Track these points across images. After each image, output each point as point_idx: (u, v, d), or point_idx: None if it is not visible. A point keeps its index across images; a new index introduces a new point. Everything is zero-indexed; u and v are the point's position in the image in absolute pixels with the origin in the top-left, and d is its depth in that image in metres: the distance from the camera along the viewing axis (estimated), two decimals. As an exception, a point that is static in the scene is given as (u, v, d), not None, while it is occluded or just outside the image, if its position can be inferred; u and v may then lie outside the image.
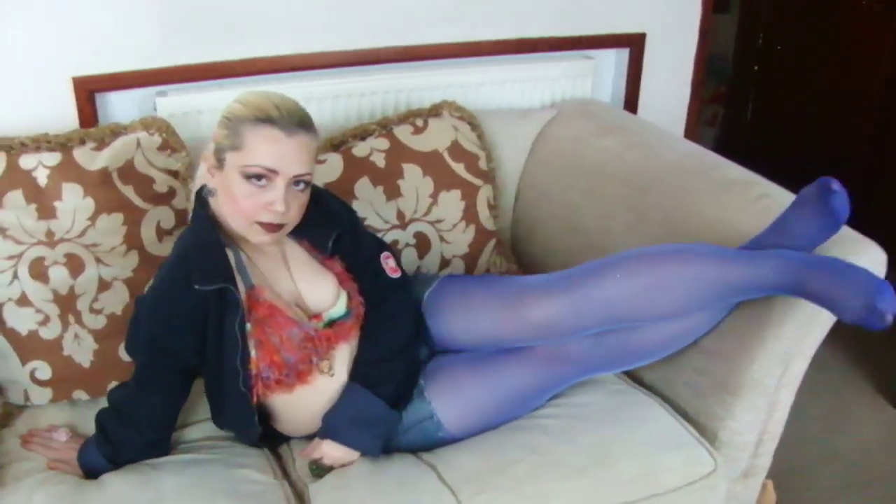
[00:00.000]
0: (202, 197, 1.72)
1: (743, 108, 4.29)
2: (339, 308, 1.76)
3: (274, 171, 1.59)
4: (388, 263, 1.86)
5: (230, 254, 1.69)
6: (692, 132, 2.93)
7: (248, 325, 1.66)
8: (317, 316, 1.74)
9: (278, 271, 1.75)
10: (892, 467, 2.62)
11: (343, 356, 1.76)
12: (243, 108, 1.59)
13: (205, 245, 1.67)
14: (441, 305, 1.89)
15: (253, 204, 1.60)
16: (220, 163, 1.62)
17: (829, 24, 3.71)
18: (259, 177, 1.58)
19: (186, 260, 1.65)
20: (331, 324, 1.75)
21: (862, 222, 1.82)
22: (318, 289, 1.76)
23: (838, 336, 1.81)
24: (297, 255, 1.78)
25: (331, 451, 1.71)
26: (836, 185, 1.67)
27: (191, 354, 1.67)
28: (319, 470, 1.72)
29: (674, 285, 1.73)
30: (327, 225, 1.78)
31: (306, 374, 1.70)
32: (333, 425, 1.72)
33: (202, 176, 1.71)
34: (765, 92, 4.18)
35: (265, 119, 1.57)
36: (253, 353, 1.65)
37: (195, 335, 1.65)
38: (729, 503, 1.92)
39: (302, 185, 1.64)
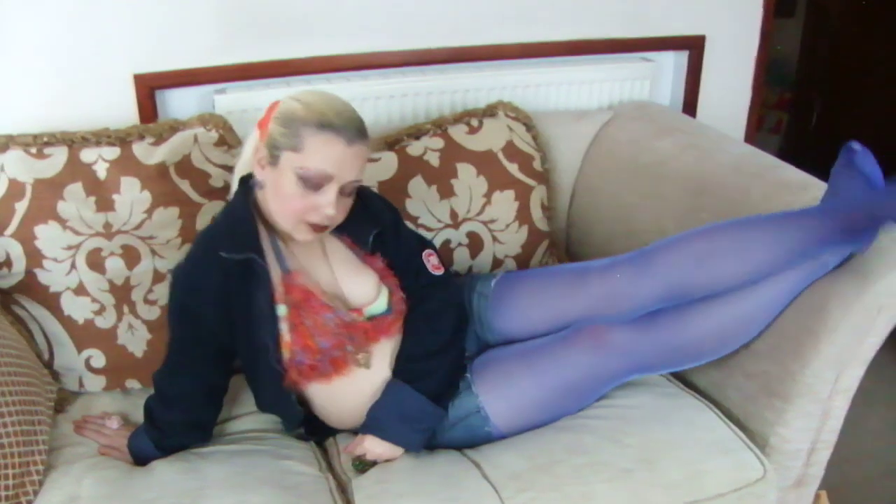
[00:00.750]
0: (248, 185, 1.73)
1: (807, 115, 4.21)
2: (380, 304, 1.77)
3: (329, 177, 1.61)
4: (430, 261, 1.87)
5: (265, 235, 1.72)
6: (752, 136, 2.89)
7: (283, 308, 1.67)
8: (357, 310, 1.75)
9: (318, 263, 1.77)
10: (954, 484, 2.54)
11: (384, 351, 1.77)
12: (305, 110, 1.60)
13: (237, 218, 1.71)
14: (506, 295, 1.91)
15: (304, 205, 1.63)
16: (273, 158, 1.63)
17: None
18: (314, 180, 1.61)
19: (217, 231, 1.71)
20: (371, 319, 1.76)
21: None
22: (358, 284, 1.78)
23: (897, 345, 1.78)
24: (338, 250, 1.80)
25: (373, 446, 1.72)
26: (856, 146, 1.72)
27: (219, 326, 1.69)
28: (363, 465, 1.72)
29: (725, 248, 1.78)
30: (369, 222, 1.79)
31: (341, 362, 1.71)
32: (376, 420, 1.73)
33: (247, 162, 1.73)
34: (830, 99, 4.10)
35: (327, 126, 1.59)
36: (287, 336, 1.67)
37: (222, 305, 1.67)
38: (780, 512, 1.89)
39: (351, 190, 1.66)
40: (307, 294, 1.69)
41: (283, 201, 1.65)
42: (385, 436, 1.71)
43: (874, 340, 1.80)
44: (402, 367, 1.76)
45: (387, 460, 1.73)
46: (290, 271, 1.70)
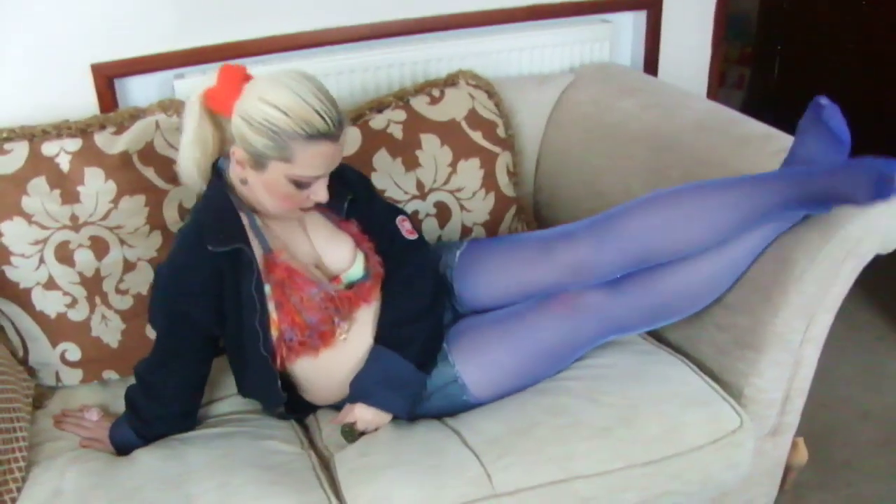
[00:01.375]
0: (217, 168, 1.73)
1: (769, 68, 4.23)
2: (356, 269, 1.78)
3: (322, 175, 1.63)
4: (404, 226, 1.87)
5: (245, 218, 1.71)
6: (714, 93, 2.90)
7: (268, 287, 1.68)
8: (336, 278, 1.76)
9: (297, 235, 1.77)
10: (930, 425, 2.58)
11: (366, 318, 1.78)
12: (288, 119, 1.55)
13: (218, 210, 1.70)
14: (471, 265, 1.91)
15: (297, 199, 1.65)
16: (259, 165, 1.61)
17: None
18: (307, 183, 1.63)
19: (201, 225, 1.68)
20: (350, 286, 1.77)
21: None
22: (335, 251, 1.79)
23: (870, 293, 1.80)
24: (314, 218, 1.80)
25: (362, 413, 1.72)
26: (824, 101, 1.72)
27: (209, 320, 1.69)
28: (352, 434, 1.73)
29: (690, 214, 1.78)
30: (342, 189, 1.79)
31: (329, 335, 1.72)
32: (363, 388, 1.73)
33: (192, 143, 1.69)
34: (791, 51, 4.11)
35: (317, 135, 1.57)
36: (274, 314, 1.67)
37: (212, 300, 1.67)
38: (758, 461, 1.92)
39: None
40: (290, 272, 1.69)
41: (273, 197, 1.66)
42: (373, 402, 1.72)
43: (841, 288, 1.83)
44: (384, 334, 1.77)
45: (375, 428, 1.74)
46: (271, 250, 1.70)
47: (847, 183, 1.66)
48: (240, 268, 1.66)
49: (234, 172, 1.68)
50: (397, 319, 1.77)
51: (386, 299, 1.81)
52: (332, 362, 1.75)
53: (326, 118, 1.57)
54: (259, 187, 1.65)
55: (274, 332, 1.69)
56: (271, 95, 1.57)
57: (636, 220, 1.80)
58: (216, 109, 1.65)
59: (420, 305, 1.79)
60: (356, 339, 1.76)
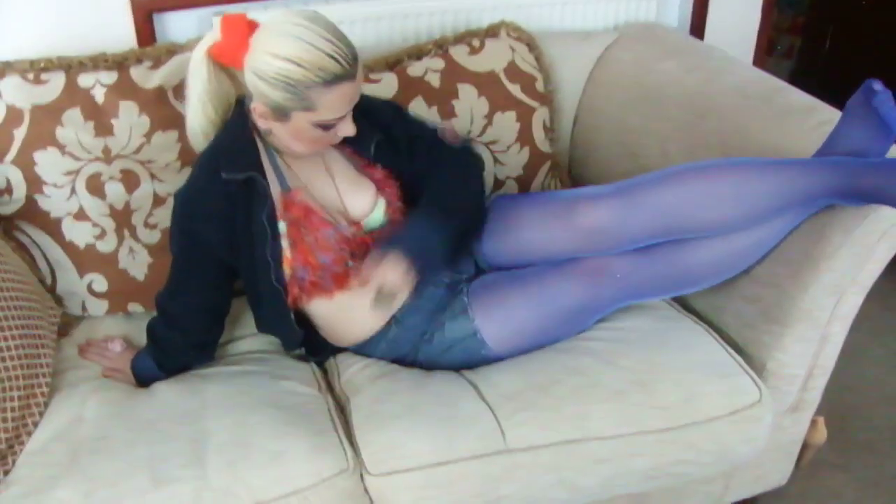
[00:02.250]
0: (243, 108, 1.71)
1: (821, 40, 4.13)
2: (376, 215, 1.78)
3: (346, 114, 1.63)
4: (446, 135, 1.86)
5: (266, 156, 1.71)
6: (761, 60, 2.84)
7: (283, 225, 1.68)
8: (356, 224, 1.76)
9: (321, 179, 1.77)
10: (955, 412, 2.54)
11: None
12: (303, 70, 1.53)
13: (236, 139, 1.70)
14: (495, 221, 1.89)
15: (324, 140, 1.66)
16: (281, 116, 1.61)
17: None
18: (333, 124, 1.63)
19: (217, 152, 1.69)
20: (370, 232, 1.77)
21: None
22: (357, 196, 1.79)
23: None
24: (338, 160, 1.80)
25: (388, 273, 1.61)
26: (877, 86, 1.66)
27: (221, 245, 1.70)
28: (385, 299, 1.64)
29: (724, 194, 1.72)
30: (369, 129, 1.78)
31: (343, 277, 1.72)
32: (395, 238, 1.67)
33: (203, 94, 1.68)
34: (843, 24, 4.02)
35: (334, 79, 1.56)
36: (288, 252, 1.68)
37: (225, 227, 1.68)
38: (775, 436, 1.91)
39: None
40: (307, 211, 1.69)
41: (302, 141, 1.66)
42: (405, 247, 1.63)
43: (874, 267, 1.80)
44: (428, 203, 1.76)
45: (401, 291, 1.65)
46: (290, 189, 1.70)
47: (891, 185, 1.61)
48: (253, 196, 1.67)
49: (259, 124, 1.67)
50: (441, 191, 1.78)
51: (431, 181, 1.80)
52: (349, 306, 1.75)
53: (340, 59, 1.55)
54: (285, 135, 1.65)
55: (287, 270, 1.69)
56: (280, 48, 1.54)
57: (663, 193, 1.74)
58: (227, 63, 1.64)
59: (465, 191, 1.80)
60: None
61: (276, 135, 1.67)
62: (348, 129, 1.66)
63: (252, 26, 1.60)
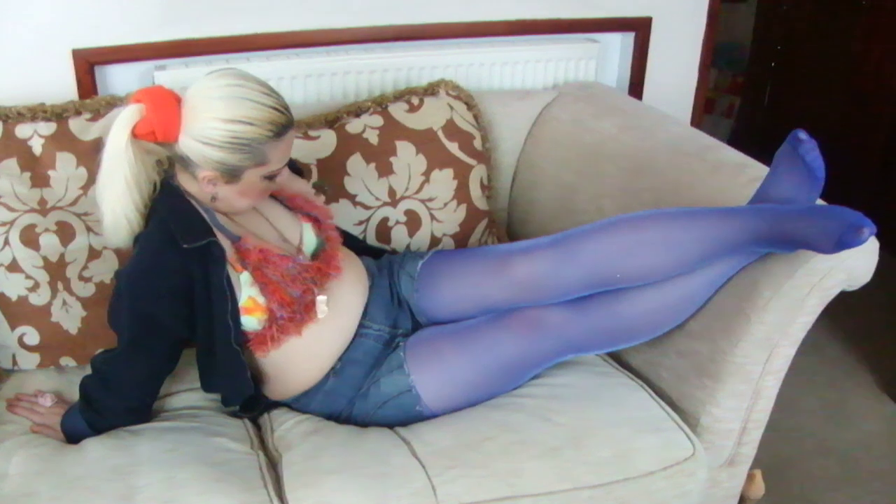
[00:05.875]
0: (171, 186, 1.71)
1: (759, 98, 4.25)
2: (308, 238, 1.82)
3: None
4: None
5: (207, 219, 1.71)
6: (699, 119, 2.91)
7: (246, 275, 1.67)
8: (301, 252, 1.80)
9: (255, 219, 1.79)
10: (891, 463, 2.58)
11: (339, 292, 1.79)
12: (254, 128, 1.56)
13: (181, 210, 1.69)
14: (432, 275, 1.90)
15: (269, 189, 1.72)
16: (233, 178, 1.63)
17: (849, 14, 3.66)
18: (279, 173, 1.67)
19: (166, 225, 1.66)
20: (314, 256, 1.80)
21: (880, 212, 1.79)
22: (289, 227, 1.82)
23: (839, 326, 1.79)
24: (265, 201, 1.81)
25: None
26: (803, 135, 1.70)
27: (178, 322, 1.68)
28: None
29: (654, 241, 1.76)
30: None
31: (310, 306, 1.72)
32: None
33: (115, 170, 1.64)
34: (782, 82, 4.13)
35: (282, 130, 1.60)
36: (260, 298, 1.68)
37: (182, 299, 1.66)
38: (712, 491, 1.92)
39: None
40: (264, 252, 1.69)
41: (248, 197, 1.70)
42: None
43: (806, 320, 1.82)
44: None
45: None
46: (239, 238, 1.71)
47: (815, 230, 1.64)
48: (210, 263, 1.66)
49: (203, 191, 1.67)
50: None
51: None
52: (315, 339, 1.75)
53: (283, 109, 1.61)
54: (233, 195, 1.67)
55: (261, 318, 1.69)
56: (225, 111, 1.55)
57: (595, 243, 1.78)
58: (159, 139, 1.61)
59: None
60: (335, 313, 1.76)
61: (221, 197, 1.67)
62: (286, 173, 1.71)
63: (178, 98, 1.61)
